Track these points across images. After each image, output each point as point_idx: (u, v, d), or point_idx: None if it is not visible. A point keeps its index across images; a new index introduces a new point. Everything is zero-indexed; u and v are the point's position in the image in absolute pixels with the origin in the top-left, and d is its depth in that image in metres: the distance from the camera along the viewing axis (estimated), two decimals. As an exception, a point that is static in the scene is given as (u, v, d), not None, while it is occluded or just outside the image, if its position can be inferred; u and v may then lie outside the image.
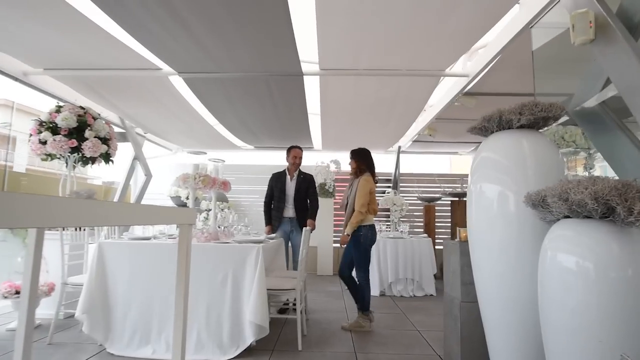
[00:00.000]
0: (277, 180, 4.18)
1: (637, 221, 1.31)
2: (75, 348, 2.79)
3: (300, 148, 4.21)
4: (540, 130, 2.12)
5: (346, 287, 3.67)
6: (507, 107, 2.09)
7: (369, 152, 3.65)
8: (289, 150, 4.18)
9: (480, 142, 6.82)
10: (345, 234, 3.40)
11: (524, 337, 1.96)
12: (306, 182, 4.15)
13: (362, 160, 3.58)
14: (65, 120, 3.54)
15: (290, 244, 4.16)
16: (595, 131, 1.95)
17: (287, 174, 4.17)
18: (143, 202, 6.21)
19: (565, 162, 2.14)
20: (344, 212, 3.62)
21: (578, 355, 1.46)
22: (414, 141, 6.75)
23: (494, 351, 2.11)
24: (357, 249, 3.43)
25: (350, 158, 3.61)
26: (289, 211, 4.09)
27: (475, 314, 2.36)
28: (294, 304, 3.36)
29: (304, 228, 3.21)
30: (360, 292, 3.47)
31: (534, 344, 1.93)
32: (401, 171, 7.53)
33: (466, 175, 8.21)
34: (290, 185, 4.12)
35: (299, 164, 4.17)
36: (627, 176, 1.49)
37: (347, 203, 3.53)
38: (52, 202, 0.73)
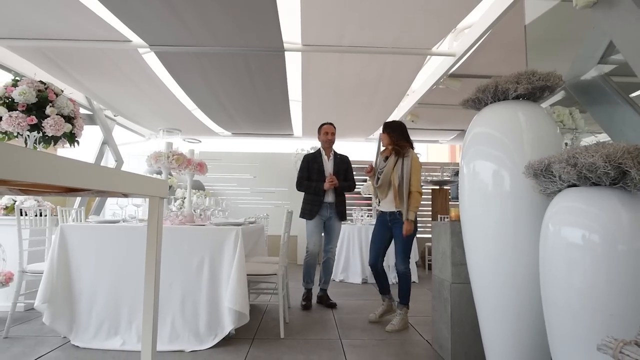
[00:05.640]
0: (313, 161, 3.70)
1: (653, 185, 1.21)
2: (36, 341, 2.55)
3: (330, 124, 3.78)
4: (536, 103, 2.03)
5: (374, 281, 3.25)
6: (503, 78, 2.00)
7: (405, 126, 3.24)
8: (319, 129, 3.80)
9: (462, 130, 6.88)
10: (410, 220, 2.93)
11: (520, 320, 1.87)
12: (344, 164, 3.74)
13: (398, 133, 3.12)
14: (23, 94, 3.22)
15: (323, 233, 3.76)
16: (593, 101, 1.87)
17: (323, 153, 3.75)
18: (113, 189, 5.91)
19: (562, 137, 2.05)
20: (376, 195, 3.20)
21: (585, 336, 1.36)
22: (395, 128, 6.65)
23: (487, 334, 2.02)
24: (408, 236, 2.99)
25: (384, 132, 3.17)
26: (329, 196, 3.64)
27: (467, 296, 2.27)
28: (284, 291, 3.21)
29: (287, 210, 3.03)
30: (405, 284, 3.06)
31: (530, 326, 1.85)
32: (382, 159, 7.43)
33: (445, 164, 8.28)
34: (329, 165, 3.70)
35: (333, 140, 3.74)
36: (628, 142, 1.39)
37: (391, 183, 3.06)
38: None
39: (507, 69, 3.50)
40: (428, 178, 6.98)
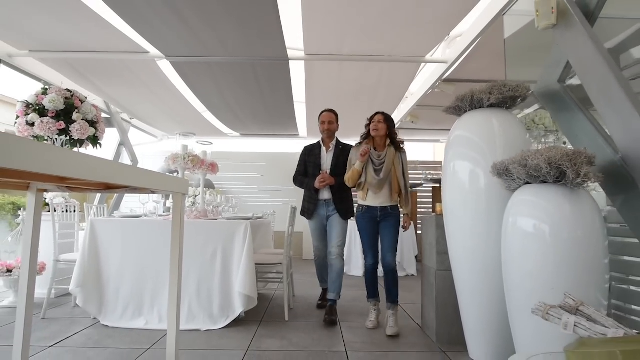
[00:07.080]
0: (310, 154, 3.35)
1: (584, 182, 1.49)
2: (70, 321, 2.88)
3: (330, 111, 3.35)
4: (509, 110, 2.30)
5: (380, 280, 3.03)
6: (478, 88, 2.27)
7: None
8: (318, 117, 3.38)
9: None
10: (407, 214, 2.96)
11: (491, 299, 2.14)
12: (345, 155, 3.16)
13: (395, 129, 3.05)
14: (53, 102, 3.57)
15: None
16: (557, 109, 2.13)
17: (322, 144, 3.35)
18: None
19: (531, 140, 2.32)
20: (357, 186, 2.96)
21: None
22: (397, 128, 6.90)
23: (465, 315, 2.30)
24: (397, 231, 2.95)
25: (385, 122, 2.98)
26: (324, 193, 3.23)
27: (450, 281, 2.54)
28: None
29: (291, 206, 3.27)
30: (395, 280, 2.92)
31: (500, 305, 2.10)
32: (385, 158, 7.70)
33: (447, 163, 8.51)
34: (327, 158, 3.27)
35: (332, 129, 3.28)
36: (581, 146, 1.67)
37: (389, 176, 2.92)
38: (43, 149, 0.74)
39: (495, 74, 3.77)
40: (429, 176, 7.22)
